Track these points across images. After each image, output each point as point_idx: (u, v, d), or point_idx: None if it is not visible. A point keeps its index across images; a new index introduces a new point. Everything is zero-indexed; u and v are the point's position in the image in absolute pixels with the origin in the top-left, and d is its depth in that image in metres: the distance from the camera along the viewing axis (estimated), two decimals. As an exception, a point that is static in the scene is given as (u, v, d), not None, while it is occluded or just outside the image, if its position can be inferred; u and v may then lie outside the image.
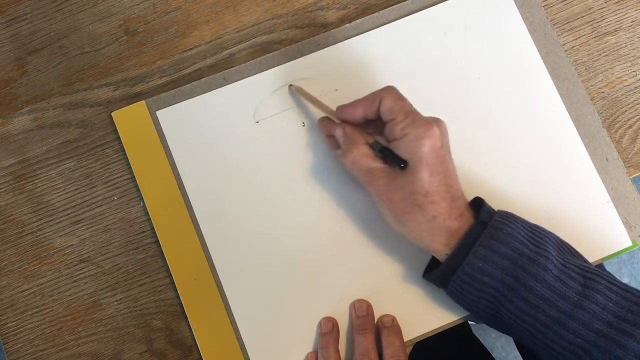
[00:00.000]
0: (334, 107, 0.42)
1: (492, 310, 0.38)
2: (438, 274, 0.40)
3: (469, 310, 0.40)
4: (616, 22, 0.50)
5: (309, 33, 0.49)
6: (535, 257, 0.37)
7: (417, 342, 0.45)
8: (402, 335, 0.43)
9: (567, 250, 0.39)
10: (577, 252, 0.40)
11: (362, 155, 0.40)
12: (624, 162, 0.48)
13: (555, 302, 0.36)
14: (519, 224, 0.38)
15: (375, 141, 0.40)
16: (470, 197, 0.44)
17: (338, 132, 0.42)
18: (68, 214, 0.47)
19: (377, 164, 0.40)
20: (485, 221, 0.38)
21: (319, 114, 0.47)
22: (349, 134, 0.41)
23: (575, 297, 0.36)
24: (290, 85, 0.47)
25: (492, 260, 0.37)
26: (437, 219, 0.38)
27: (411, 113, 0.39)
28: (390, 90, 0.40)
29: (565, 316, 0.36)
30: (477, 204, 0.41)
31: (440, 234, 0.38)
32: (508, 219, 0.38)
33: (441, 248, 0.39)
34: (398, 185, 0.38)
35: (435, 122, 0.39)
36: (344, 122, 0.42)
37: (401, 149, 0.38)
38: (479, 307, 0.39)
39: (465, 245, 0.38)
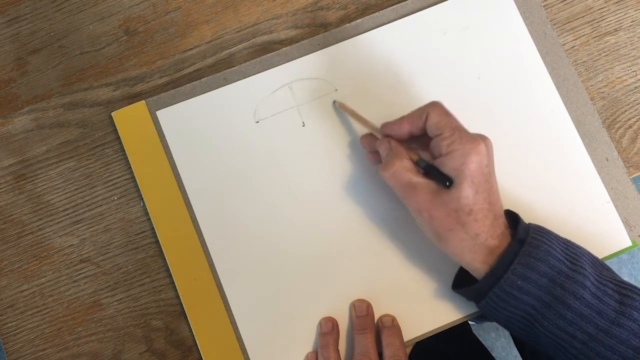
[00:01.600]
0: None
1: (526, 327, 0.38)
2: (474, 290, 0.40)
3: (502, 324, 0.40)
4: (616, 22, 0.50)
5: (309, 33, 0.49)
6: (573, 274, 0.36)
7: (417, 342, 0.45)
8: (402, 335, 0.43)
9: (600, 266, 0.39)
10: (608, 267, 0.40)
11: (404, 169, 0.39)
12: (624, 162, 0.48)
13: (593, 319, 0.36)
14: (554, 240, 0.38)
15: (420, 158, 0.40)
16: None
17: (382, 147, 0.41)
18: (68, 214, 0.47)
19: (418, 179, 0.39)
20: (522, 238, 0.38)
21: (319, 114, 0.47)
22: (393, 148, 0.41)
23: (613, 314, 0.36)
24: (334, 101, 0.47)
25: (531, 278, 0.36)
26: (480, 237, 0.38)
27: (458, 129, 0.38)
28: (437, 106, 0.40)
29: (603, 333, 0.35)
30: (510, 217, 0.41)
31: (481, 251, 0.38)
32: (544, 235, 0.38)
33: (480, 266, 0.38)
34: (442, 202, 0.38)
35: (482, 139, 0.39)
36: (389, 137, 0.42)
37: (447, 166, 0.38)
38: (513, 323, 0.39)
39: (504, 263, 0.37)
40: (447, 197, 0.38)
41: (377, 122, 0.43)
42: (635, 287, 0.37)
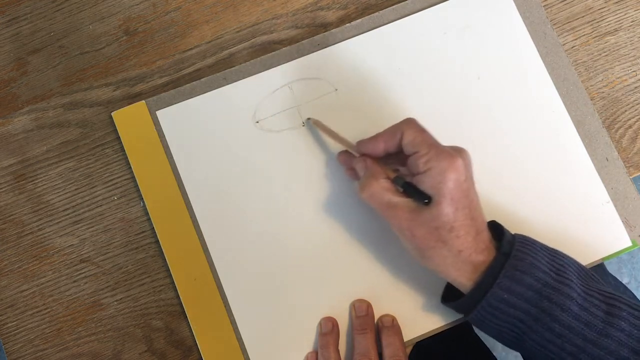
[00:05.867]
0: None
1: (516, 339, 0.38)
2: (461, 305, 0.40)
3: (493, 336, 0.40)
4: (616, 22, 0.50)
5: (309, 33, 0.49)
6: (559, 286, 0.36)
7: (417, 342, 0.45)
8: (402, 335, 0.43)
9: (586, 275, 0.39)
10: (594, 275, 0.40)
11: (382, 189, 0.39)
12: (624, 162, 0.48)
13: (582, 331, 0.36)
14: (540, 252, 0.38)
15: (398, 176, 0.40)
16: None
17: (359, 166, 0.42)
18: (68, 214, 0.47)
19: (398, 198, 0.39)
20: (507, 251, 0.38)
21: (319, 114, 0.47)
22: (370, 167, 0.41)
23: (601, 325, 0.36)
24: (309, 118, 0.47)
25: (517, 292, 0.36)
26: (463, 254, 0.37)
27: (434, 146, 0.38)
28: (411, 123, 0.40)
29: (592, 345, 0.35)
30: (495, 228, 0.41)
31: (465, 268, 0.38)
32: (529, 247, 0.38)
33: (466, 282, 0.38)
34: (422, 221, 0.38)
35: (459, 153, 0.38)
36: (365, 155, 0.42)
37: (425, 184, 0.38)
38: (502, 335, 0.39)
39: (490, 278, 0.37)
40: (427, 215, 0.37)
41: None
42: (621, 297, 0.37)
